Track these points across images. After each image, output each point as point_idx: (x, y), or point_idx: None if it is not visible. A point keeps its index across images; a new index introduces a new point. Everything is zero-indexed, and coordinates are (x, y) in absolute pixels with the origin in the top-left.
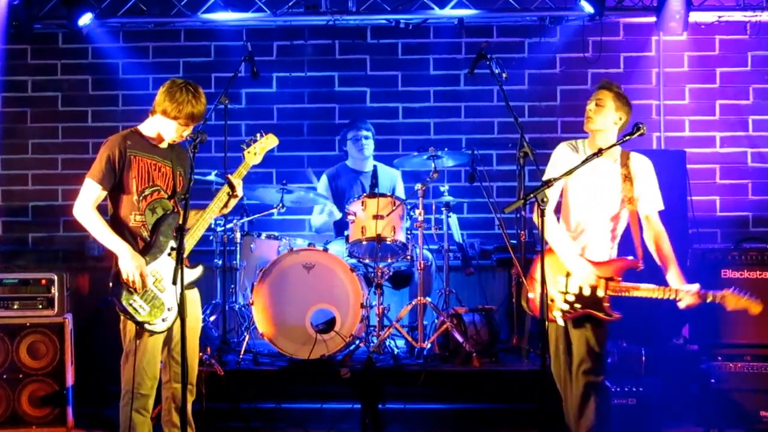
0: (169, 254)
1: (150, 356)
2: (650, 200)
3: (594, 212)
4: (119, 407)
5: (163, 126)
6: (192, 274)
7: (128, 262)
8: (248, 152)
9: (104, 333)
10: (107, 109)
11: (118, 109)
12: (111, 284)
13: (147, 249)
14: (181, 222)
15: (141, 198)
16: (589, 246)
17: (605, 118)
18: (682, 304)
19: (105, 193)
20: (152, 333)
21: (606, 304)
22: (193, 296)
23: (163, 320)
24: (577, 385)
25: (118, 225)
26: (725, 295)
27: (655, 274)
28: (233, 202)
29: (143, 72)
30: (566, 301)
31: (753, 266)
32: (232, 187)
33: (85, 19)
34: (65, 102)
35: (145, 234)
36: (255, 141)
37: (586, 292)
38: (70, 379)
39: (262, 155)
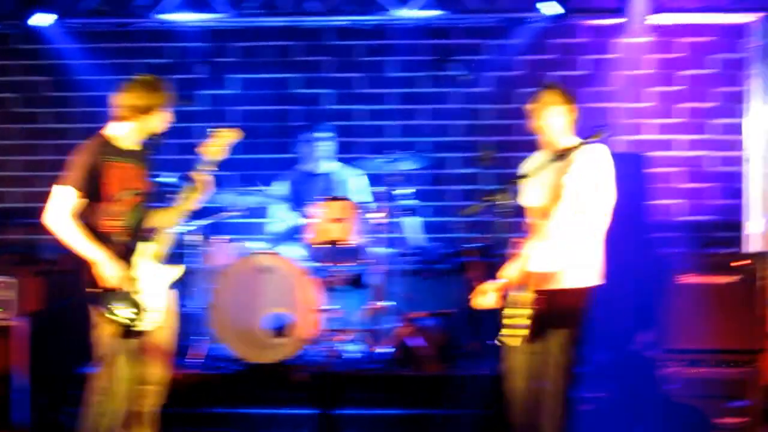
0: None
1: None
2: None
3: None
4: (80, 408)
5: (147, 123)
6: (173, 272)
7: (109, 269)
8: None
9: (58, 338)
10: (64, 111)
11: (76, 111)
12: (94, 294)
13: (127, 253)
14: (141, 223)
15: (119, 203)
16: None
17: (550, 115)
18: None
19: (75, 199)
20: (138, 335)
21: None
22: (173, 295)
23: (144, 322)
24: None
25: (92, 231)
26: None
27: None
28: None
29: (101, 73)
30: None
31: (715, 271)
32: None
33: (42, 19)
34: (22, 103)
35: (124, 238)
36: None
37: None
38: (18, 383)
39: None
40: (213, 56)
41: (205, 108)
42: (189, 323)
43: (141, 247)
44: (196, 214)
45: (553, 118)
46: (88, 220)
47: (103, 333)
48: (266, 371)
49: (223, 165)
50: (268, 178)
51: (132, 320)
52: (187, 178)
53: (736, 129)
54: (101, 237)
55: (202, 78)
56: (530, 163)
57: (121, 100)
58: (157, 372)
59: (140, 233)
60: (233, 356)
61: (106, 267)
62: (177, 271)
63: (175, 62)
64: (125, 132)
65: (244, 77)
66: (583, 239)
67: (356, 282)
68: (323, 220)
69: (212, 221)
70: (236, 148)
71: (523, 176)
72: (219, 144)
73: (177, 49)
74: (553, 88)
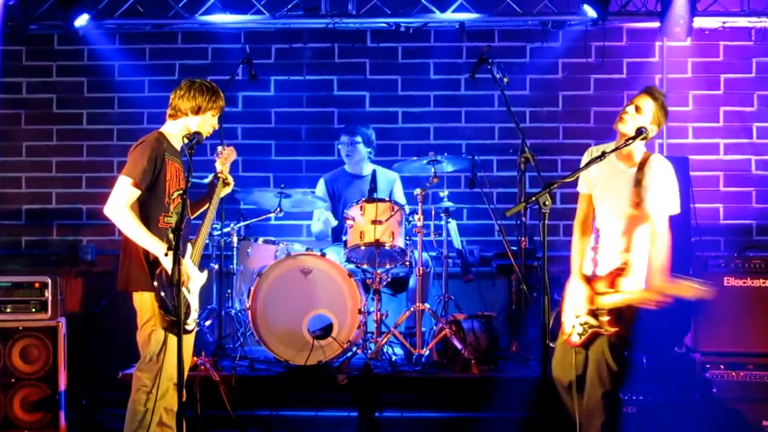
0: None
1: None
2: (651, 202)
3: (606, 218)
4: (127, 405)
5: (196, 124)
6: (203, 277)
7: (170, 262)
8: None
9: (97, 338)
10: (103, 112)
11: (114, 112)
12: (156, 283)
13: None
14: (178, 224)
15: (171, 200)
16: (600, 251)
17: (638, 124)
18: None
19: (139, 192)
20: (185, 333)
21: (603, 319)
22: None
23: (194, 320)
24: (589, 396)
25: (147, 225)
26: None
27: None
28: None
29: (139, 74)
30: (581, 324)
31: (756, 274)
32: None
33: (81, 21)
34: (60, 104)
35: (175, 236)
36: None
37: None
38: (62, 384)
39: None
40: (252, 58)
41: (243, 109)
42: (230, 325)
43: (187, 247)
44: (238, 216)
45: (639, 124)
46: (144, 212)
47: (155, 329)
48: (307, 373)
49: (263, 166)
50: (309, 179)
51: (183, 317)
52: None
53: None
54: (156, 231)
55: (240, 80)
56: (597, 169)
57: (176, 100)
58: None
59: (184, 233)
60: (274, 358)
61: (167, 260)
62: (205, 275)
63: (214, 63)
64: (177, 131)
65: (284, 79)
66: (647, 245)
67: (398, 284)
68: (364, 222)
69: (253, 222)
70: (277, 150)
71: (567, 177)
72: (225, 160)
73: (216, 50)
74: (654, 97)
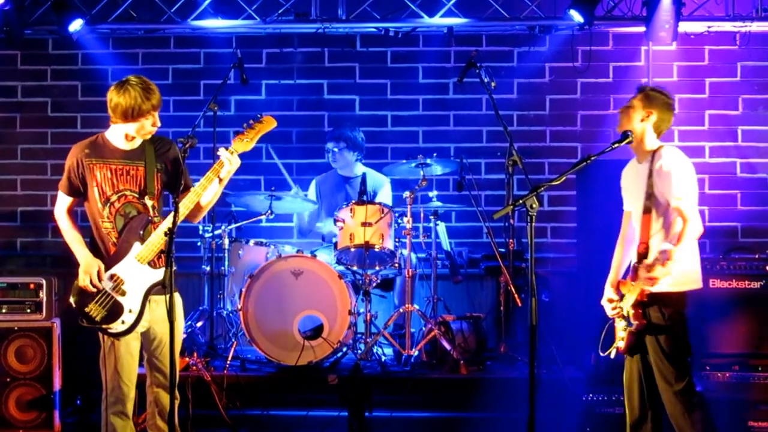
0: (166, 234)
1: (123, 359)
2: (661, 190)
3: (634, 218)
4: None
5: (134, 129)
6: (156, 275)
7: (82, 267)
8: (239, 139)
9: (90, 339)
10: (96, 115)
11: (107, 115)
12: (71, 291)
13: (115, 254)
14: (171, 225)
15: (106, 205)
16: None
17: (631, 119)
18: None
19: (71, 199)
20: (115, 336)
21: (631, 312)
22: (178, 300)
23: (122, 323)
24: (666, 401)
25: (93, 231)
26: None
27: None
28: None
29: None
30: (620, 330)
31: (741, 276)
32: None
33: (76, 25)
34: (55, 108)
35: (115, 240)
36: (251, 126)
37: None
38: (57, 384)
39: (255, 141)
40: (243, 62)
41: (235, 113)
42: (222, 326)
43: (128, 248)
44: (229, 219)
45: (631, 118)
46: (90, 219)
47: (100, 334)
48: (298, 374)
49: (254, 169)
50: (300, 182)
51: (103, 320)
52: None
53: (764, 136)
54: (98, 236)
55: (232, 84)
56: (627, 181)
57: (110, 101)
58: (162, 374)
59: (128, 233)
60: (266, 359)
61: (81, 265)
62: (160, 273)
63: (206, 67)
64: (116, 133)
65: (275, 83)
66: (682, 243)
67: (387, 285)
68: (354, 224)
69: (244, 225)
70: (268, 153)
71: (555, 180)
72: (257, 132)
73: (208, 54)
74: (641, 90)
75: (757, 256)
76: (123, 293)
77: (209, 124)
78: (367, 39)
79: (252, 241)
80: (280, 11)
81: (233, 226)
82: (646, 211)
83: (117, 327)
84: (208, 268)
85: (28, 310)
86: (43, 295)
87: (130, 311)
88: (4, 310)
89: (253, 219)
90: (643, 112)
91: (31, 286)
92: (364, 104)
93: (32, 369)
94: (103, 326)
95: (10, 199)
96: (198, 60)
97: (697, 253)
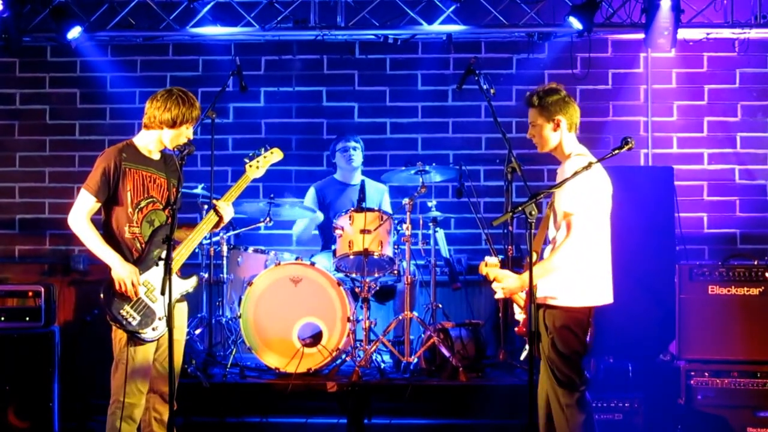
0: (156, 264)
1: (140, 366)
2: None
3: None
4: (106, 415)
5: (170, 137)
6: (185, 284)
7: (120, 271)
8: (250, 166)
9: (89, 346)
10: (95, 123)
11: (106, 123)
12: (102, 294)
13: (141, 260)
14: (169, 233)
15: (136, 210)
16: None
17: (544, 138)
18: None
19: (98, 204)
20: (143, 342)
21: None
22: (182, 308)
23: (154, 329)
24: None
25: (112, 236)
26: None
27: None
28: (222, 224)
29: (131, 86)
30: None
31: (740, 283)
32: (218, 215)
33: (74, 33)
34: (53, 115)
35: (140, 245)
36: (259, 155)
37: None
38: (55, 391)
39: (264, 169)
40: (242, 69)
41: (234, 120)
42: (221, 333)
43: (156, 255)
44: (228, 226)
45: (541, 133)
46: (109, 224)
47: (117, 337)
48: (297, 381)
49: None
50: (298, 189)
51: (137, 326)
52: (210, 202)
53: (762, 143)
54: (120, 242)
55: (231, 91)
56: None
57: (153, 110)
58: (163, 379)
59: (157, 242)
60: (265, 366)
61: (117, 269)
62: (191, 282)
63: (205, 75)
64: (149, 141)
65: (274, 90)
66: (556, 256)
67: (386, 292)
68: (353, 231)
69: (243, 232)
70: None
71: (554, 187)
72: (264, 163)
73: (206, 62)
74: (530, 103)
75: (756, 263)
76: (154, 300)
77: (207, 131)
78: (366, 46)
79: (251, 249)
80: (279, 18)
81: (232, 233)
82: (546, 219)
83: (148, 333)
84: (206, 275)
85: (27, 318)
86: (41, 302)
87: (160, 318)
88: (2, 318)
89: (252, 226)
90: (551, 123)
91: (30, 293)
92: (363, 111)
93: (31, 376)
94: (139, 331)
95: (8, 206)
96: (197, 67)
97: (589, 272)
